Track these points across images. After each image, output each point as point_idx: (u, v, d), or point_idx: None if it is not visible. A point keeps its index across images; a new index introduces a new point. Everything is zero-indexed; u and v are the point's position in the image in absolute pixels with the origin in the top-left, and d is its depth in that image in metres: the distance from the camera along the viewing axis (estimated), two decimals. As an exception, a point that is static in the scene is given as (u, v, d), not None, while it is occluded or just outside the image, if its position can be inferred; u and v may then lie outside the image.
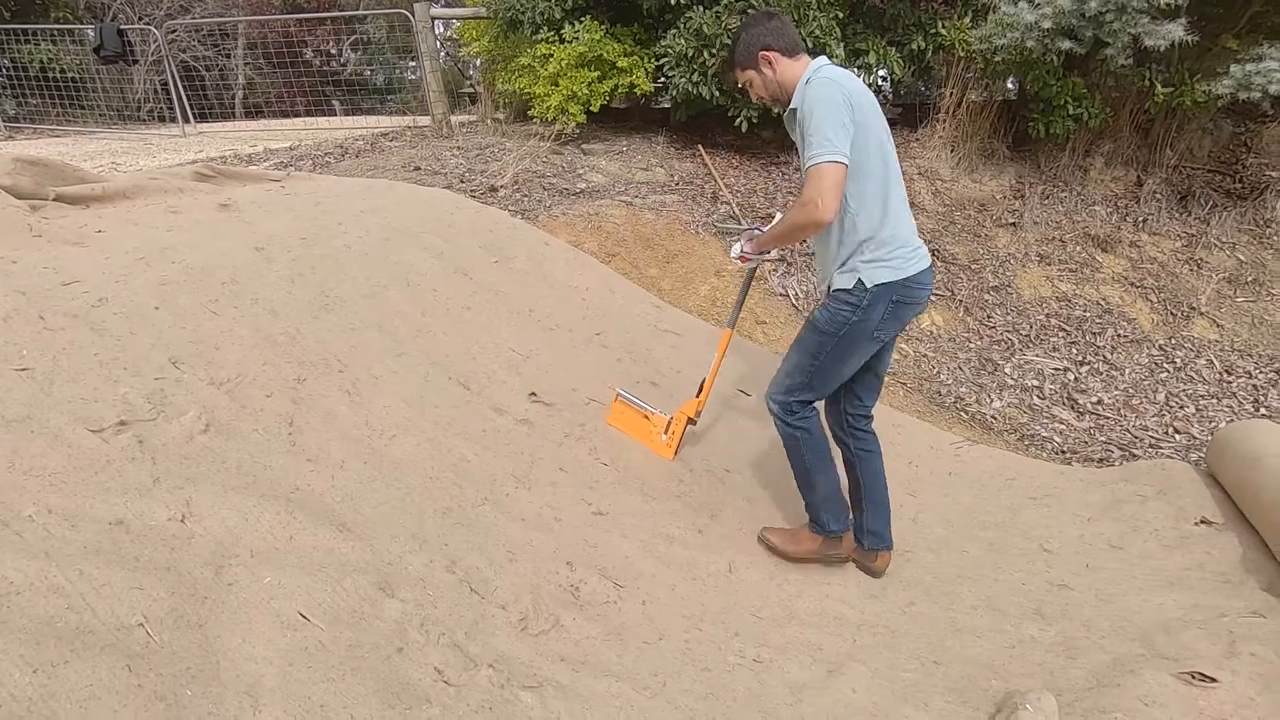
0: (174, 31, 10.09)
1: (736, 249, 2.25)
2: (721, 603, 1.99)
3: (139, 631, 1.31)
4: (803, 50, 1.95)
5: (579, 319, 3.10)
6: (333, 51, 14.68)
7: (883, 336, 1.99)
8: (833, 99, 1.76)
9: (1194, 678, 1.80)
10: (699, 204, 4.45)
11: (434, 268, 3.01)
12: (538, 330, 2.93)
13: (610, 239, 3.86)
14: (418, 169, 4.39)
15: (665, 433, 2.50)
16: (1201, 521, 2.48)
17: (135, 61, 8.56)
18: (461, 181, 4.19)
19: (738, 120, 4.80)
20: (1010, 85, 5.75)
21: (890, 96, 6.62)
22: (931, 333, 3.95)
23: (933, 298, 4.23)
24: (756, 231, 2.26)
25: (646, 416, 2.52)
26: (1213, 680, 1.76)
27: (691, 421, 2.50)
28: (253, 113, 10.49)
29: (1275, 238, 4.70)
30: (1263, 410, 3.57)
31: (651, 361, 3.03)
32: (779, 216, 2.18)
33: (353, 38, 14.16)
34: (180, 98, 6.93)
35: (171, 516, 1.55)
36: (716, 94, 4.76)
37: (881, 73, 6.07)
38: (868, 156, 1.84)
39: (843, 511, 2.20)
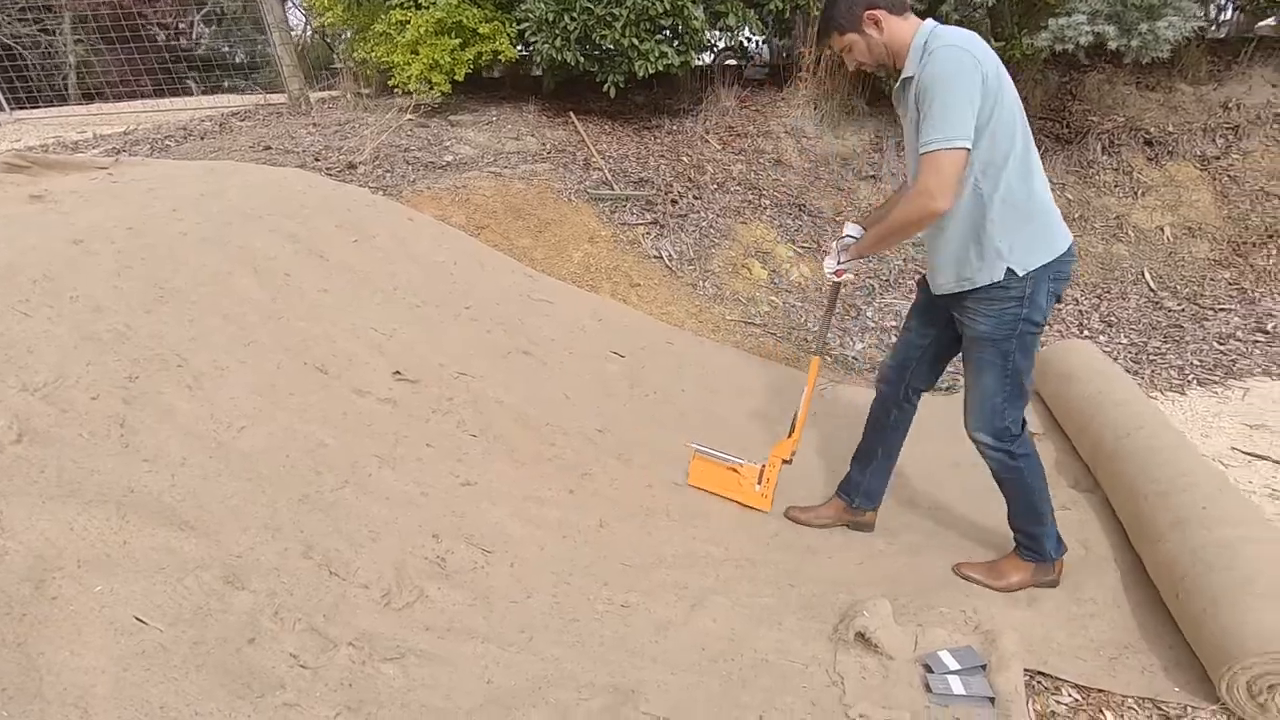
0: (-21, 6, 8.91)
1: (831, 263, 2.03)
2: (592, 556, 2.05)
3: (-66, 657, 1.22)
4: (909, 7, 1.73)
5: (446, 294, 3.05)
6: (181, 27, 13.38)
7: (1048, 319, 1.81)
8: (963, 70, 1.56)
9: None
10: (571, 171, 4.43)
11: (285, 251, 2.87)
12: (402, 308, 2.86)
13: (479, 211, 3.79)
14: (268, 149, 4.13)
15: (759, 483, 2.33)
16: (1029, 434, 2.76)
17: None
18: (316, 160, 3.98)
19: (606, 85, 4.79)
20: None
21: (757, 57, 6.76)
22: (800, 284, 4.14)
23: (801, 250, 4.44)
24: (850, 238, 2.04)
25: (735, 470, 2.37)
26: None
27: (786, 463, 2.32)
28: (91, 96, 9.46)
29: (1096, 178, 5.20)
30: (1085, 332, 3.99)
31: (524, 331, 3.03)
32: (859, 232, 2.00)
33: (204, 10, 12.96)
34: (-10, 81, 6.17)
35: (-26, 534, 1.44)
36: (581, 59, 4.72)
37: (746, 32, 6.20)
38: (1005, 124, 1.63)
39: (1057, 532, 1.99)
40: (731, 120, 5.43)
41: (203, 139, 4.51)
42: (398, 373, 2.53)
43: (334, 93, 6.48)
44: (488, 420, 2.47)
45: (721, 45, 6.24)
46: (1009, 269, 1.68)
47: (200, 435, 1.96)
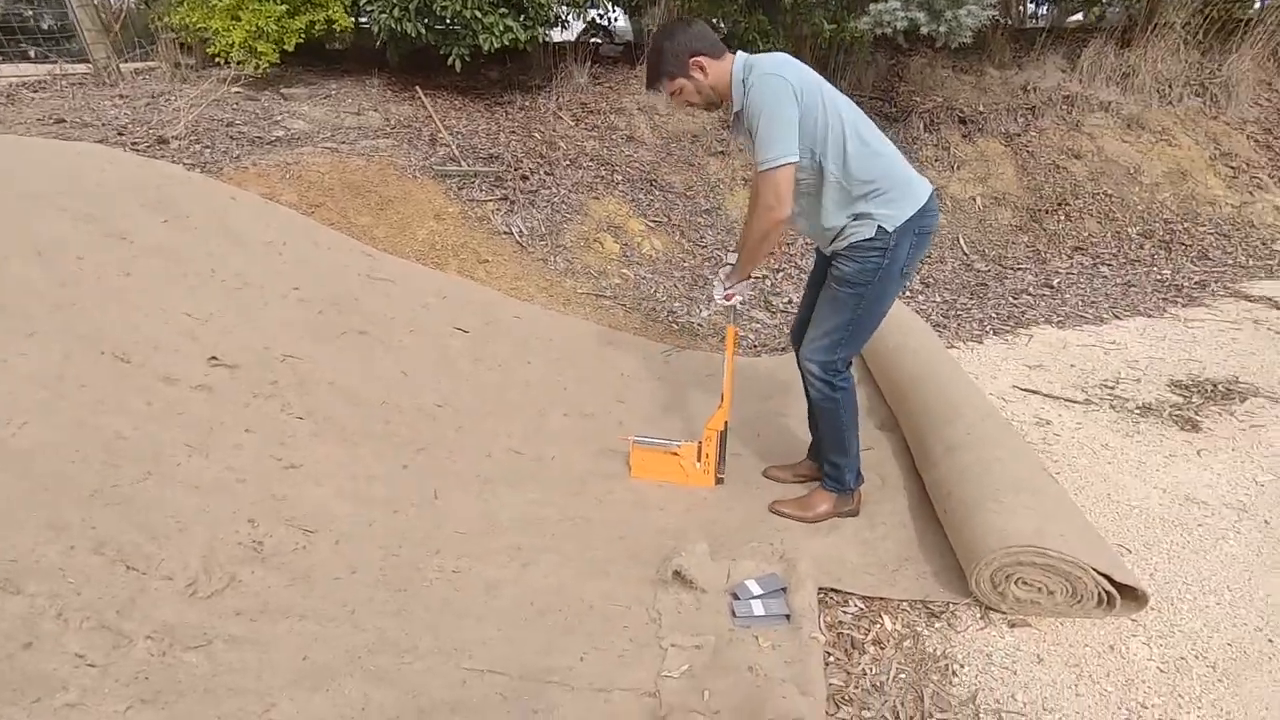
0: None
1: (719, 291, 2.17)
2: (424, 528, 2.06)
3: None
4: (724, 48, 1.90)
5: (273, 275, 2.89)
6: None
7: (909, 272, 1.98)
8: (777, 94, 1.76)
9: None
10: (416, 148, 4.30)
11: (77, 233, 2.61)
12: (220, 291, 2.69)
13: (313, 189, 3.61)
14: (61, 122, 3.70)
15: (699, 460, 2.36)
16: (845, 385, 3.03)
17: None
18: (121, 135, 3.62)
19: (450, 59, 4.66)
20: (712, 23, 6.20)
21: (615, 36, 6.81)
22: (651, 256, 4.27)
23: (653, 224, 4.56)
24: (730, 265, 2.19)
25: (675, 453, 2.37)
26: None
27: (722, 432, 2.36)
28: None
29: (919, 153, 5.69)
30: (908, 293, 4.39)
31: (360, 311, 2.93)
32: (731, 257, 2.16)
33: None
34: None
35: None
36: (424, 31, 4.57)
37: (598, 12, 6.23)
38: (834, 118, 1.82)
39: (858, 466, 2.19)
40: (585, 97, 5.46)
41: (-19, 112, 3.97)
42: (214, 358, 2.39)
43: (152, 64, 5.89)
44: (316, 402, 2.39)
45: (579, 21, 6.23)
46: (879, 227, 1.87)
47: (-35, 435, 1.78)
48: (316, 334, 2.69)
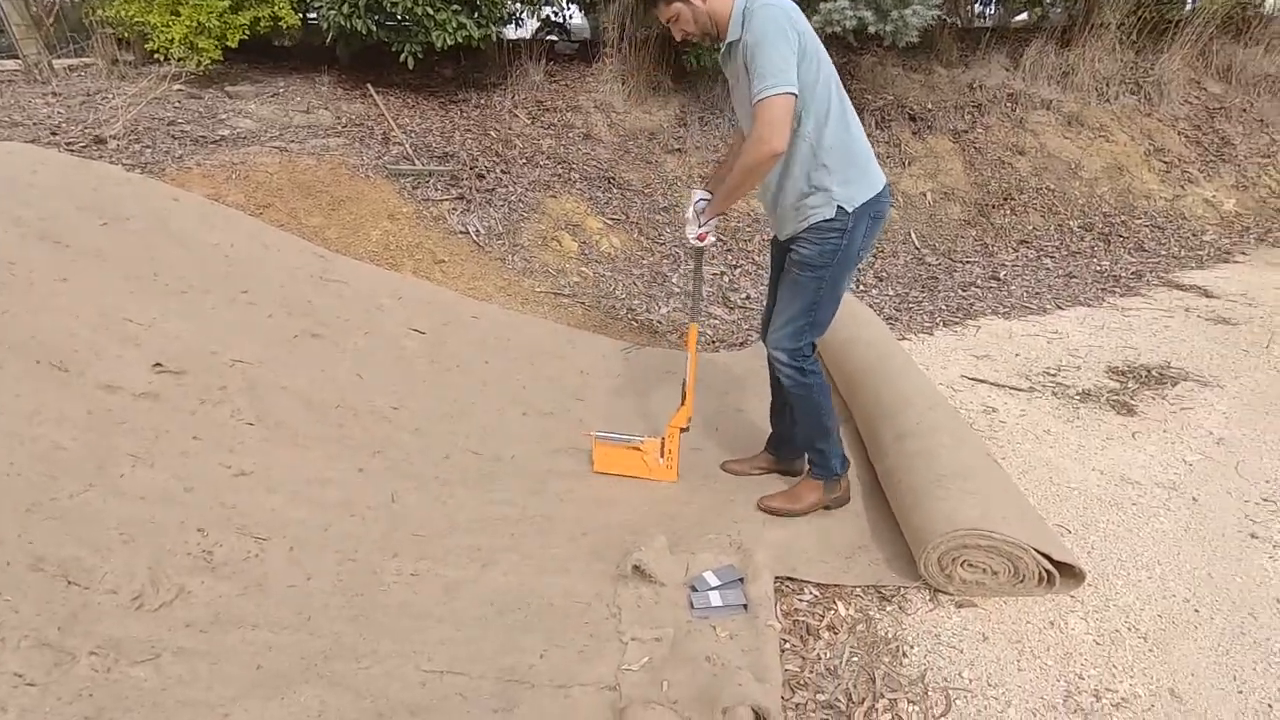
0: None
1: (692, 229, 2.07)
2: (382, 531, 2.03)
3: None
4: None
5: (220, 278, 2.82)
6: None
7: (864, 255, 1.99)
8: (780, 27, 1.70)
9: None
10: (369, 146, 4.23)
11: (7, 237, 2.51)
12: (164, 295, 2.61)
13: (261, 189, 3.52)
14: (-12, 121, 3.55)
15: (662, 456, 2.34)
16: (801, 378, 3.08)
17: None
18: (54, 134, 3.48)
19: (403, 56, 4.59)
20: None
21: (573, 32, 6.79)
22: (609, 254, 4.28)
23: (611, 222, 4.57)
24: (704, 200, 2.09)
25: (637, 448, 2.35)
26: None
27: (684, 430, 2.34)
28: None
29: (873, 150, 5.80)
30: (861, 286, 4.49)
31: (314, 313, 2.88)
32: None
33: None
34: None
35: None
36: (374, 28, 4.49)
37: (553, 9, 6.20)
38: (817, 76, 1.79)
39: (842, 450, 2.19)
40: (541, 95, 5.43)
41: (-101, 111, 3.77)
42: (159, 364, 2.32)
43: (86, 60, 5.66)
44: (267, 407, 2.34)
45: (533, 20, 6.20)
46: (839, 206, 1.86)
47: (-112, 450, 1.70)
48: (267, 337, 2.64)
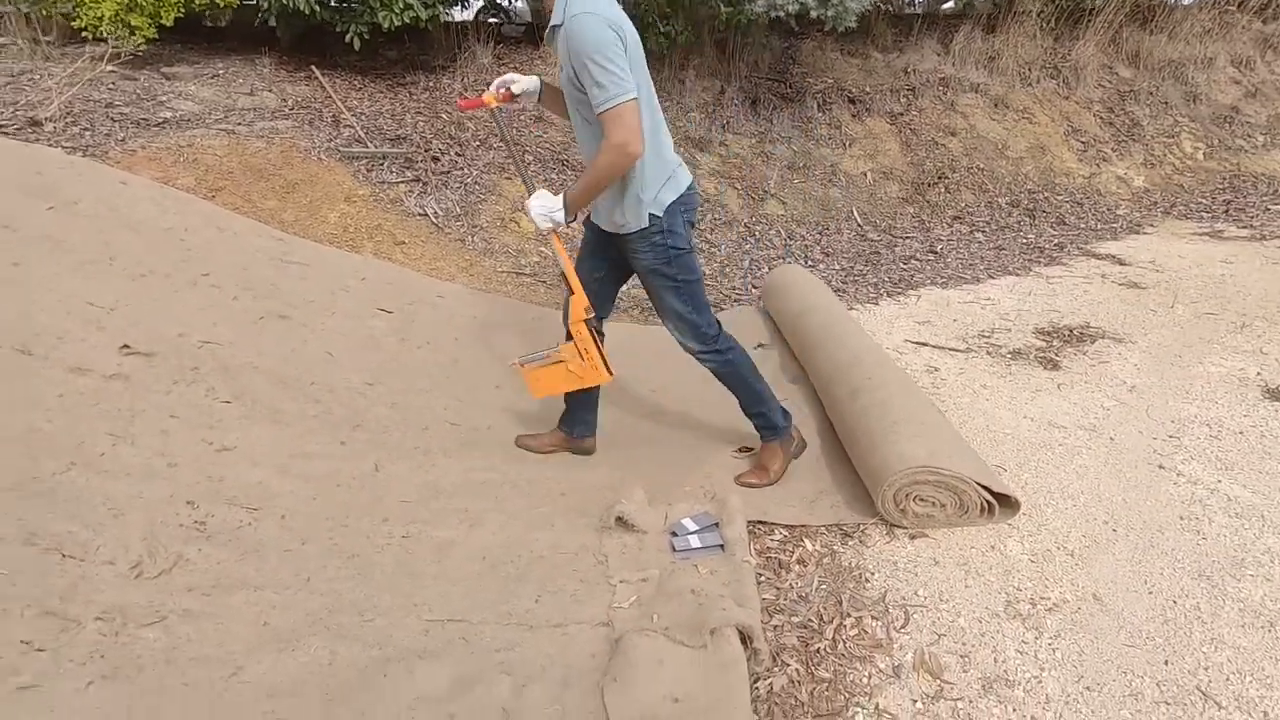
0: None
1: (546, 224, 1.97)
2: (369, 498, 2.10)
3: None
4: None
5: (179, 262, 2.78)
6: None
7: (691, 241, 2.02)
8: (607, 34, 1.69)
9: (740, 451, 2.43)
10: (319, 129, 4.18)
11: (-49, 222, 2.43)
12: (122, 279, 2.57)
13: (212, 172, 3.46)
14: (-93, 103, 3.36)
15: (583, 358, 2.14)
16: (759, 345, 3.26)
17: None
18: (-17, 116, 3.33)
19: (349, 36, 4.53)
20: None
21: (515, 15, 6.76)
22: (566, 234, 4.35)
23: (567, 203, 4.63)
24: (544, 194, 1.99)
25: (561, 360, 2.16)
26: (750, 450, 2.40)
27: (588, 320, 2.11)
28: None
29: (814, 131, 6.03)
30: (809, 261, 4.70)
31: (278, 295, 2.87)
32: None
33: None
34: None
35: None
36: (317, 8, 4.41)
37: (498, -9, 6.17)
38: (641, 88, 1.79)
39: (778, 404, 2.27)
40: (490, 77, 5.42)
41: None
42: (126, 346, 2.30)
43: (3, 39, 5.35)
44: (242, 386, 2.35)
45: (477, 0, 6.16)
46: (650, 214, 1.92)
47: None
48: (234, 319, 2.63)
